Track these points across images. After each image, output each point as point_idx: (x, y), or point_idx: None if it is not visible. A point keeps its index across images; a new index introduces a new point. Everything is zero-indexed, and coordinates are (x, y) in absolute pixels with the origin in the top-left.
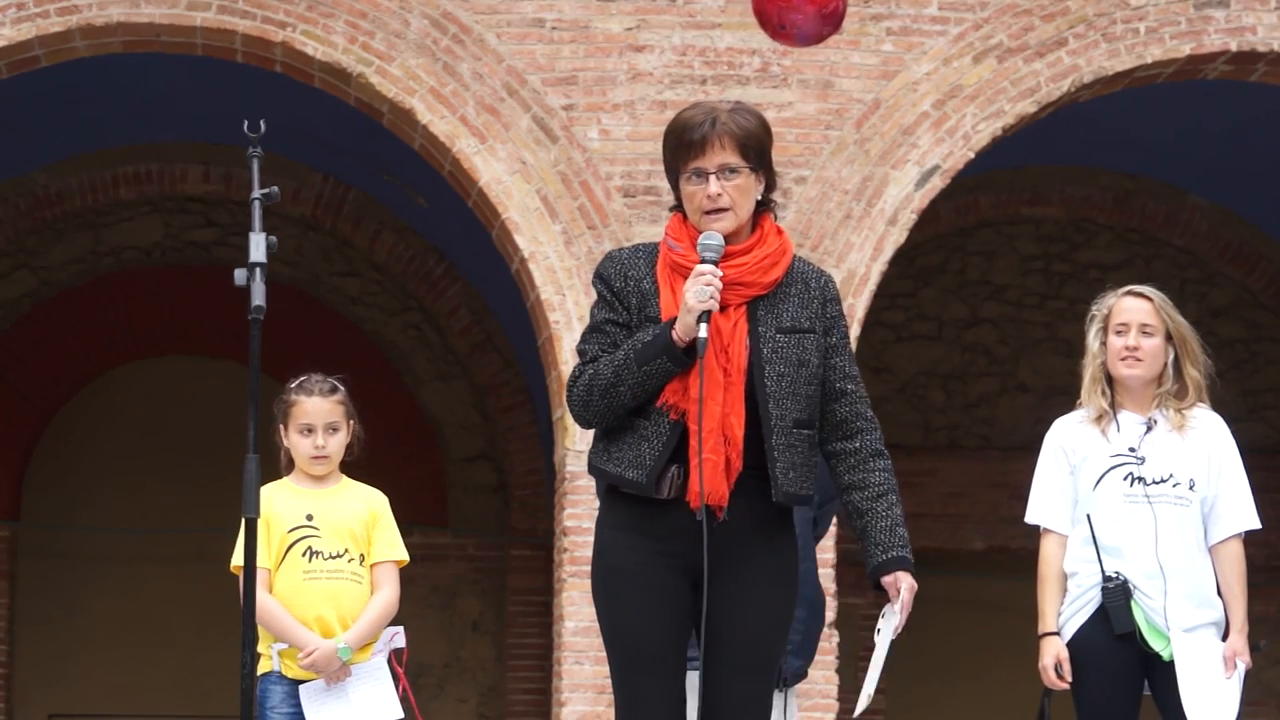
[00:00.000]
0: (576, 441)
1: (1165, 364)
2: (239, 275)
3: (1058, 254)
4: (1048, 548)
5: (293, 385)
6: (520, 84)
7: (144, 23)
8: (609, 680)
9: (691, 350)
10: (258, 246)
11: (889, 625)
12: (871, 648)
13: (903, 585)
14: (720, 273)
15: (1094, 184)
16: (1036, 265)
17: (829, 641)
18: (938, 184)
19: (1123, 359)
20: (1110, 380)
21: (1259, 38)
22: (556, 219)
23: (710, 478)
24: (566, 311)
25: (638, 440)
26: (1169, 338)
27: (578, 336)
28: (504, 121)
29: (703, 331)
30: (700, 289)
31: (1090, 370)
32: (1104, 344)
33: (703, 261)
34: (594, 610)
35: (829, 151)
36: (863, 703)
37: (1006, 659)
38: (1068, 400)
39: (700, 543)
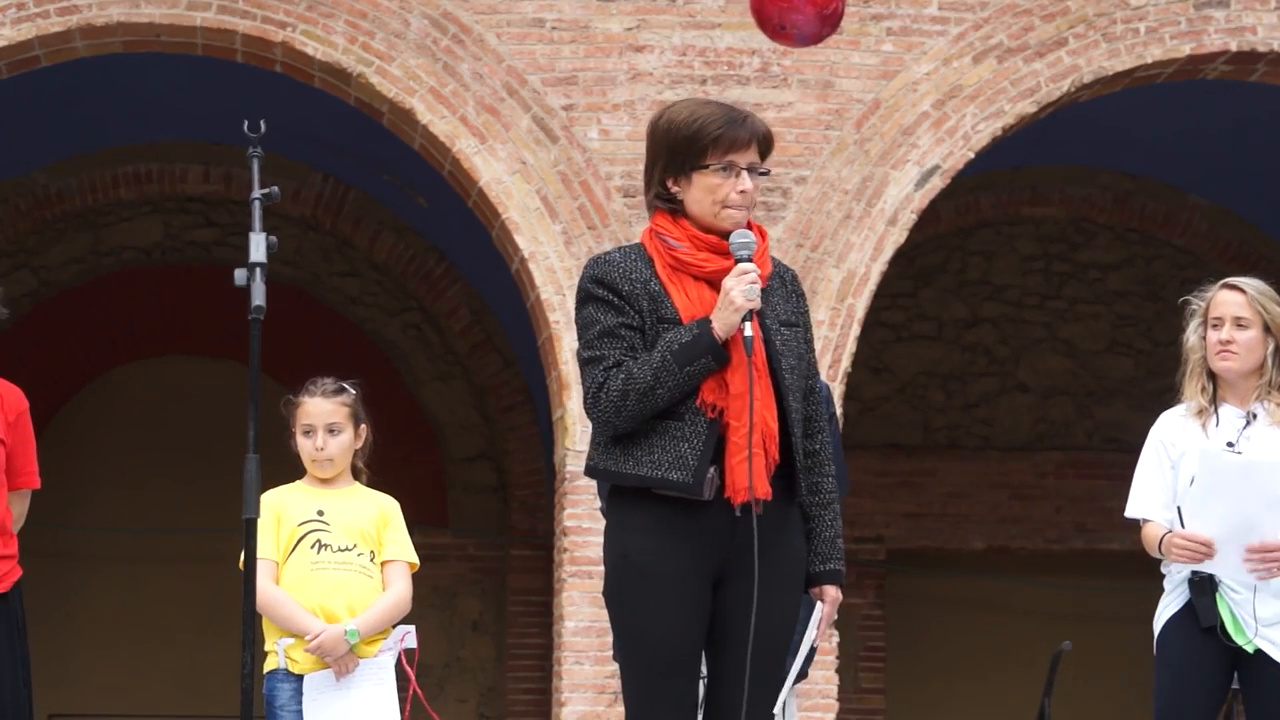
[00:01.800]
0: (576, 441)
1: (1265, 356)
2: (239, 275)
3: (1058, 254)
4: (1148, 529)
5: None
6: (520, 84)
7: (144, 23)
8: (609, 680)
9: (745, 350)
10: (258, 246)
11: (810, 630)
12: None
13: (828, 599)
14: (759, 270)
15: (1094, 184)
16: (1036, 265)
17: (829, 641)
18: (938, 184)
19: (1217, 353)
20: (1212, 374)
21: (1259, 38)
22: (556, 219)
23: (755, 473)
24: (566, 311)
25: (673, 441)
26: (1267, 329)
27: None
28: (504, 121)
29: (748, 330)
30: (749, 287)
31: (1190, 364)
32: (1203, 338)
33: (738, 260)
34: (594, 610)
35: (829, 151)
36: (782, 696)
37: (1007, 659)
38: (1068, 400)
39: (730, 541)
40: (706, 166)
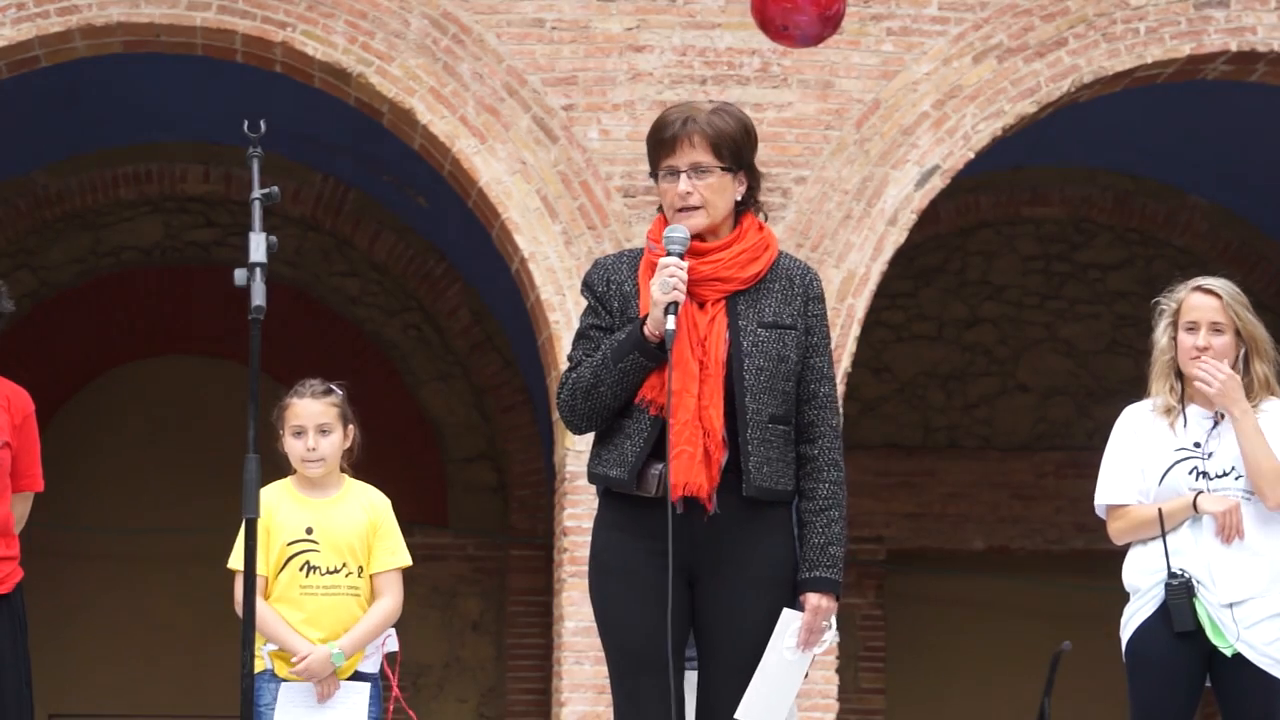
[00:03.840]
0: (576, 442)
1: (1235, 359)
2: (239, 275)
3: (1058, 254)
4: (1133, 511)
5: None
6: (520, 84)
7: (144, 23)
8: (609, 680)
9: (665, 345)
10: (258, 246)
11: (787, 633)
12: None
13: (809, 606)
14: (685, 264)
15: (1094, 184)
16: (1036, 265)
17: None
18: (938, 184)
19: (1193, 358)
20: (1180, 374)
21: (1259, 38)
22: (556, 219)
23: (687, 469)
24: (566, 311)
25: (622, 439)
26: (1238, 333)
27: None
28: (504, 121)
29: (670, 323)
30: (664, 280)
31: (1159, 365)
32: (1173, 339)
33: (668, 254)
34: (593, 610)
35: (829, 151)
36: (757, 701)
37: (1006, 659)
38: (1068, 400)
39: (692, 541)
40: (658, 174)
